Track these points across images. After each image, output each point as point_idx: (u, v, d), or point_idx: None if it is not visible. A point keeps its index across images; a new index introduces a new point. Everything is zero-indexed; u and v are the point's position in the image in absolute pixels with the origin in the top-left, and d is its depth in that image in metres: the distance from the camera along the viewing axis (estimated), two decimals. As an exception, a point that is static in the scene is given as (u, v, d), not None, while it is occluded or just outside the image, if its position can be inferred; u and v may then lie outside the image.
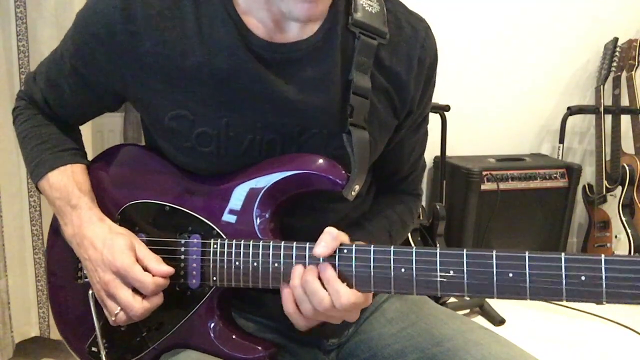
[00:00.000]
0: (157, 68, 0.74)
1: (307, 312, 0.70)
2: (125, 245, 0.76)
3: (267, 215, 0.77)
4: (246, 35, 0.73)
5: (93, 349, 0.86)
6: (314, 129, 0.77)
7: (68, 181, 0.82)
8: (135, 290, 0.75)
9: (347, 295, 0.68)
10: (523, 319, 2.18)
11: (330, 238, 0.70)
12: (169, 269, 0.76)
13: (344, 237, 0.71)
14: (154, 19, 0.72)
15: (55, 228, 0.87)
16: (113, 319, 0.76)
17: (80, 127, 0.94)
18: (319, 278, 0.69)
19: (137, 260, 0.76)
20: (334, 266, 0.69)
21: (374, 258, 0.69)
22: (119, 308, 0.75)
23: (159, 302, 0.77)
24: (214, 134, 0.76)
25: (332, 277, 0.68)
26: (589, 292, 0.60)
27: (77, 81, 0.81)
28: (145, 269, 0.75)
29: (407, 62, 0.80)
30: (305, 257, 0.71)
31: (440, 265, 0.66)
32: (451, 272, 0.65)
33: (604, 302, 0.61)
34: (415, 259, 0.67)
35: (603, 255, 0.60)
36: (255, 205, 0.77)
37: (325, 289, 0.68)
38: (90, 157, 0.91)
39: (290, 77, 0.75)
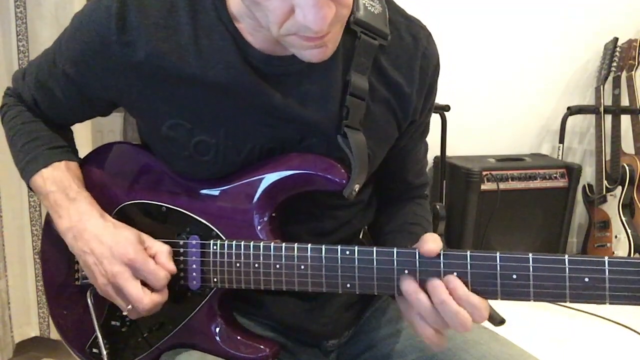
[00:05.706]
0: (153, 78, 0.72)
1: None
2: (135, 238, 0.75)
3: (266, 216, 0.76)
4: (244, 48, 0.72)
5: (94, 350, 0.85)
6: (315, 138, 0.76)
7: (64, 175, 0.80)
8: (143, 284, 0.74)
9: (484, 306, 0.65)
10: (523, 319, 2.17)
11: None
12: (174, 267, 0.76)
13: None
14: (149, 29, 0.71)
15: (48, 230, 0.85)
16: (125, 313, 0.76)
17: (80, 127, 0.91)
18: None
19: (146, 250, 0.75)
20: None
21: (376, 259, 0.68)
22: (130, 305, 0.74)
23: (165, 297, 0.76)
24: (212, 142, 0.75)
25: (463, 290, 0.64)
26: (592, 294, 0.60)
27: (69, 87, 0.79)
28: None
29: (408, 73, 0.78)
30: (307, 258, 0.71)
31: (443, 267, 0.65)
32: (455, 274, 0.65)
33: (607, 304, 0.60)
34: (419, 261, 0.66)
35: (606, 257, 0.60)
36: (255, 205, 0.76)
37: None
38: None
39: (290, 90, 0.73)
